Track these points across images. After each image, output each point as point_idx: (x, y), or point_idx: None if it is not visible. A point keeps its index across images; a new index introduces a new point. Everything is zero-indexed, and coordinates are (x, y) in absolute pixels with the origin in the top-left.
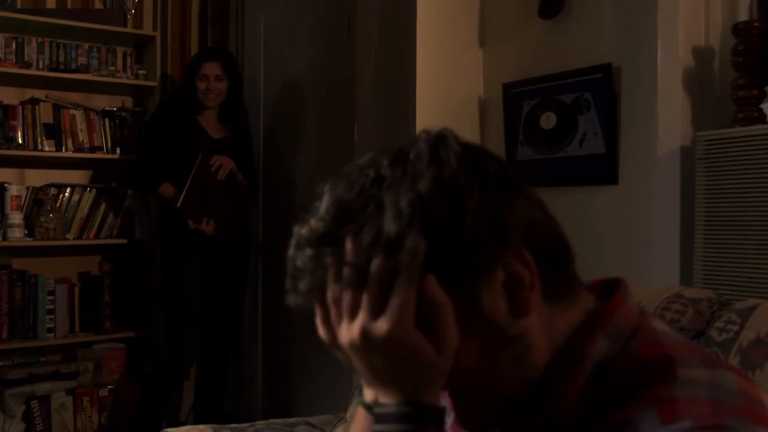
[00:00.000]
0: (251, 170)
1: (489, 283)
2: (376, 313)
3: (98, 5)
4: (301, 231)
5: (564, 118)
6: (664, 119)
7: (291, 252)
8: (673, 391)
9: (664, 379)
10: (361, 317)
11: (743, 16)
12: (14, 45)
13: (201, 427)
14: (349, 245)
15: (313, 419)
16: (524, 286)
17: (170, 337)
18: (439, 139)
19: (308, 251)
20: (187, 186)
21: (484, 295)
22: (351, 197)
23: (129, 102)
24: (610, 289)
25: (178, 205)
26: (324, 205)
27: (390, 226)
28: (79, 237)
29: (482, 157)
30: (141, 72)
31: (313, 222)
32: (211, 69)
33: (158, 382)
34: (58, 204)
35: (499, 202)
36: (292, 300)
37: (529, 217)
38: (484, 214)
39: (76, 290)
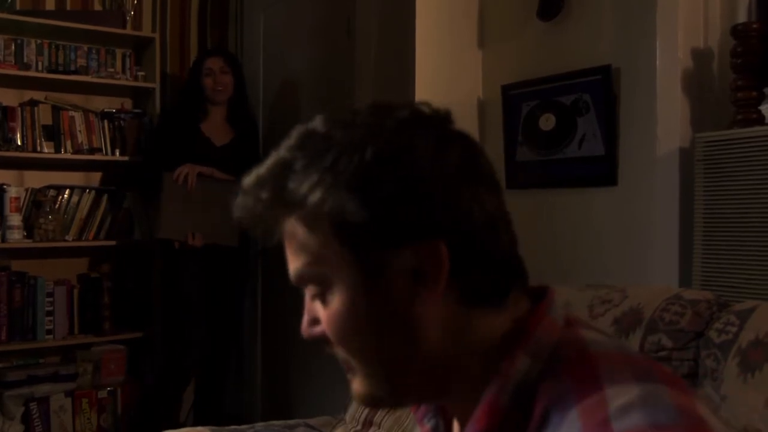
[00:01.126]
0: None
1: (397, 260)
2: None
3: (97, 7)
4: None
5: (563, 120)
6: (663, 120)
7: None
8: (611, 425)
9: (596, 404)
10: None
11: (742, 17)
12: (13, 46)
13: (200, 428)
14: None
15: (312, 421)
16: (426, 280)
17: (170, 341)
18: (425, 115)
19: (260, 170)
20: (161, 214)
21: (390, 268)
22: (318, 131)
23: (128, 103)
24: (539, 298)
25: (159, 235)
26: (297, 130)
27: (323, 174)
28: (79, 238)
29: (455, 147)
30: (140, 73)
31: (282, 145)
32: (215, 63)
33: (160, 386)
34: (57, 205)
35: (440, 190)
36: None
37: (468, 218)
38: (412, 195)
39: (75, 292)
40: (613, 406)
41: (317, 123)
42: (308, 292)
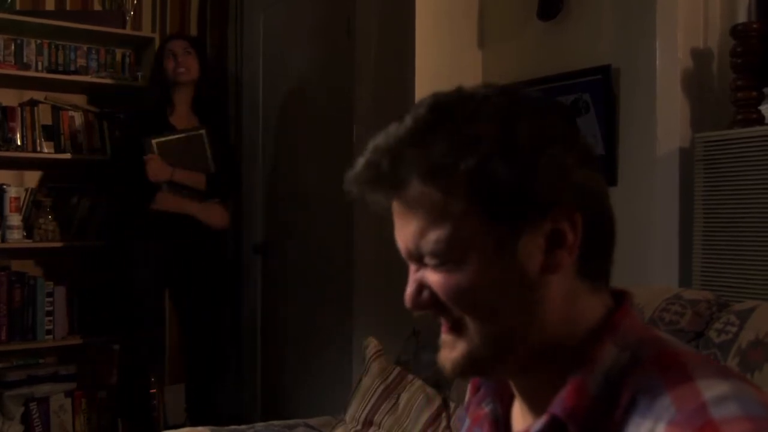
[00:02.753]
0: (228, 159)
1: (534, 228)
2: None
3: (97, 7)
4: (391, 125)
5: None
6: (663, 121)
7: (377, 138)
8: (709, 412)
9: (690, 393)
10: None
11: (742, 17)
12: (13, 46)
13: (200, 429)
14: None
15: (312, 421)
16: (564, 245)
17: (123, 339)
18: (552, 101)
19: (398, 135)
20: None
21: (526, 236)
22: (453, 102)
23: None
24: (617, 299)
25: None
26: (423, 102)
27: (482, 131)
28: (78, 238)
29: (576, 131)
30: (140, 74)
31: (408, 117)
32: (177, 45)
33: (120, 386)
34: (57, 205)
35: (575, 164)
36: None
37: (593, 193)
38: (558, 166)
39: (75, 292)
40: (709, 395)
41: (444, 96)
42: (418, 262)
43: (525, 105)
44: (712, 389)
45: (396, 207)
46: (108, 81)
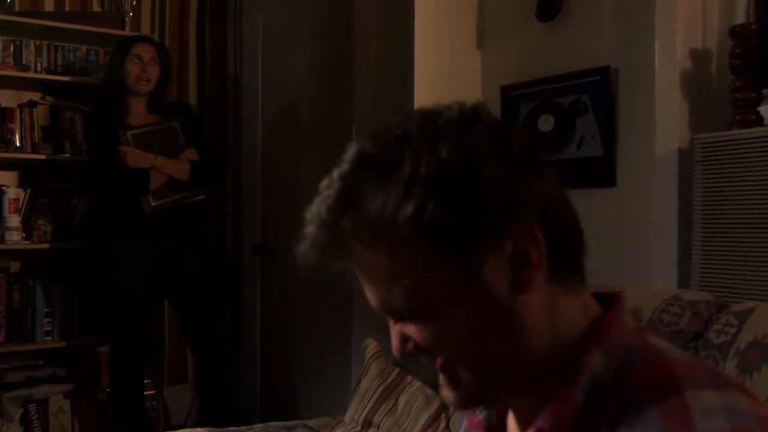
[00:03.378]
0: (207, 150)
1: (494, 254)
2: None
3: (96, 8)
4: (322, 184)
5: (562, 121)
6: (662, 121)
7: (313, 206)
8: (694, 425)
9: (677, 407)
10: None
11: (740, 18)
12: (12, 48)
13: (199, 430)
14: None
15: (311, 422)
16: (530, 263)
17: (115, 341)
18: (472, 110)
19: (329, 202)
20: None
21: (488, 264)
22: (373, 151)
23: None
24: (607, 302)
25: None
26: (348, 155)
27: (405, 189)
28: (77, 240)
29: (509, 133)
30: None
31: (335, 174)
32: (145, 51)
33: (113, 387)
34: (56, 207)
35: (517, 176)
36: (309, 258)
37: (547, 197)
38: (500, 185)
39: (74, 293)
40: (696, 409)
41: (365, 144)
42: (394, 318)
43: (446, 132)
44: (701, 402)
45: (354, 266)
46: (100, 80)
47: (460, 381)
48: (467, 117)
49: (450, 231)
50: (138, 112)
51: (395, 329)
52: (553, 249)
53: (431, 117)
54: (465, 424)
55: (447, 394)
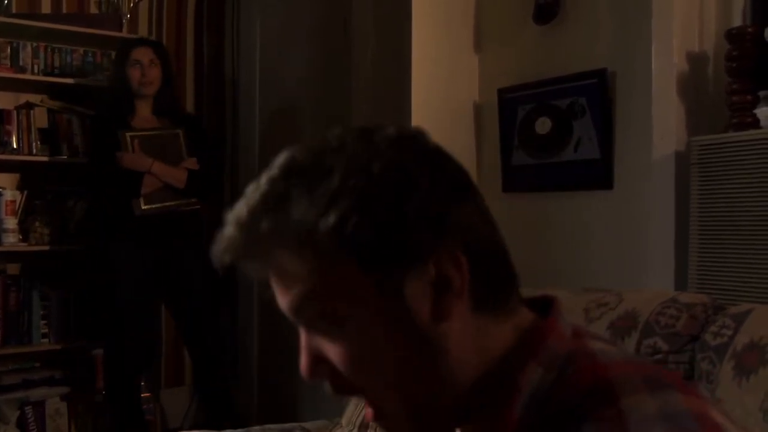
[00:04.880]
0: (209, 160)
1: (417, 276)
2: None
3: (93, 10)
4: (248, 187)
5: (559, 123)
6: (658, 124)
7: (235, 208)
8: None
9: (612, 418)
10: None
11: (737, 21)
12: (9, 49)
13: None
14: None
15: (308, 424)
16: (451, 289)
17: (109, 347)
18: (411, 132)
19: (252, 204)
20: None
21: (409, 287)
22: (305, 159)
23: None
24: (544, 307)
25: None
26: (278, 161)
27: (332, 198)
28: (74, 242)
29: (442, 159)
30: None
31: (263, 178)
32: (143, 54)
33: (107, 393)
34: (53, 209)
35: (446, 201)
36: (225, 257)
37: (473, 225)
38: (427, 208)
39: (71, 296)
40: (633, 419)
41: (298, 152)
42: (306, 329)
43: (381, 149)
44: (637, 410)
45: (270, 277)
46: (104, 84)
47: (391, 422)
48: (405, 137)
49: (372, 247)
50: (143, 115)
51: (307, 343)
52: (479, 276)
53: (368, 133)
54: None
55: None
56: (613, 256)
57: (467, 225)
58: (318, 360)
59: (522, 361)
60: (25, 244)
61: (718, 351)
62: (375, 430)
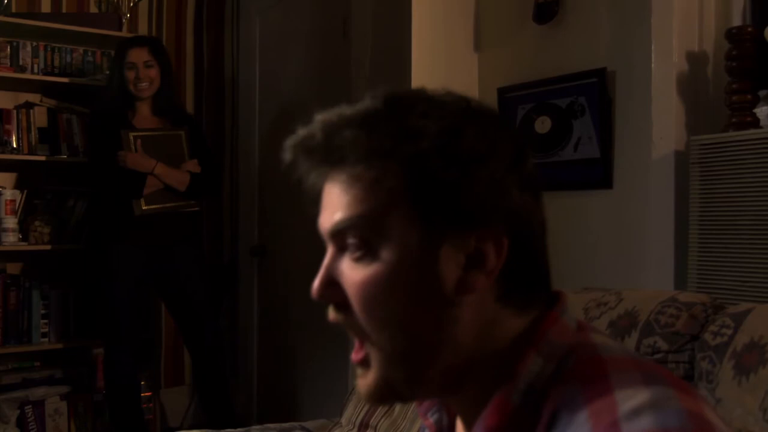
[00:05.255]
0: (209, 161)
1: (457, 243)
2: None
3: (93, 9)
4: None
5: (559, 123)
6: (658, 123)
7: (324, 112)
8: (621, 428)
9: (606, 407)
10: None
11: (736, 21)
12: (9, 49)
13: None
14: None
15: (308, 424)
16: (483, 267)
17: (106, 351)
18: (499, 114)
19: (344, 112)
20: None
21: (448, 246)
22: (407, 97)
23: None
24: (551, 302)
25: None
26: (379, 90)
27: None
28: (74, 241)
29: (528, 152)
30: None
31: (362, 103)
32: (138, 55)
33: (108, 394)
34: (53, 208)
35: (514, 184)
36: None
37: (527, 217)
38: (497, 184)
39: (71, 295)
40: (623, 409)
41: (404, 92)
42: (336, 251)
43: (479, 116)
44: (629, 401)
45: (327, 183)
46: (104, 83)
47: (378, 368)
48: (501, 118)
49: (432, 192)
50: (144, 115)
51: (328, 262)
52: (512, 269)
53: (473, 100)
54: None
55: (361, 384)
56: (612, 256)
57: (522, 215)
58: (332, 283)
59: (521, 350)
60: (25, 243)
61: (717, 350)
62: (375, 430)
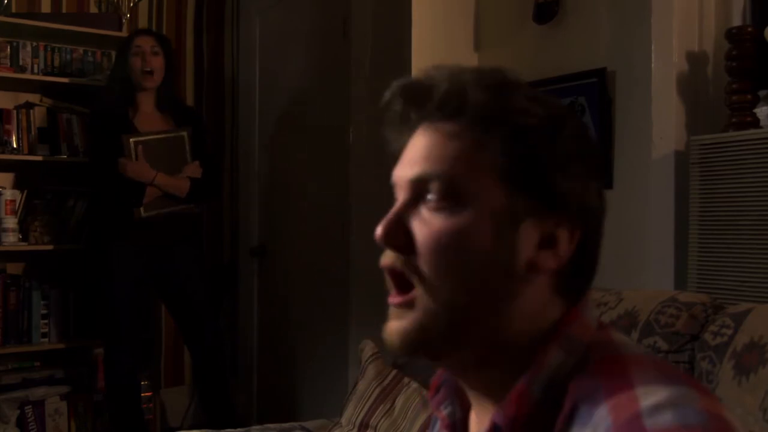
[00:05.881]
0: (209, 164)
1: (538, 218)
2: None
3: (93, 9)
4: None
5: None
6: (658, 124)
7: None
8: (643, 422)
9: (627, 402)
10: None
11: (736, 21)
12: (9, 49)
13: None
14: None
15: (308, 424)
16: (555, 249)
17: (106, 351)
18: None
19: (469, 69)
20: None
21: (529, 221)
22: (518, 79)
23: None
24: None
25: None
26: (491, 67)
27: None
28: (74, 241)
29: (603, 158)
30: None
31: (475, 69)
32: (145, 42)
33: (109, 394)
34: (53, 208)
35: (598, 183)
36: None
37: (600, 217)
38: (588, 178)
39: (71, 295)
40: (645, 404)
41: (514, 74)
42: (410, 195)
43: (575, 117)
44: (650, 397)
45: (422, 133)
46: (104, 84)
47: (421, 311)
48: (585, 124)
49: (530, 165)
50: (146, 111)
51: (399, 208)
52: (576, 261)
53: (564, 106)
54: (438, 423)
55: (394, 326)
56: (612, 256)
57: (596, 214)
58: (400, 227)
59: (544, 342)
60: (25, 243)
61: (717, 350)
62: (375, 430)
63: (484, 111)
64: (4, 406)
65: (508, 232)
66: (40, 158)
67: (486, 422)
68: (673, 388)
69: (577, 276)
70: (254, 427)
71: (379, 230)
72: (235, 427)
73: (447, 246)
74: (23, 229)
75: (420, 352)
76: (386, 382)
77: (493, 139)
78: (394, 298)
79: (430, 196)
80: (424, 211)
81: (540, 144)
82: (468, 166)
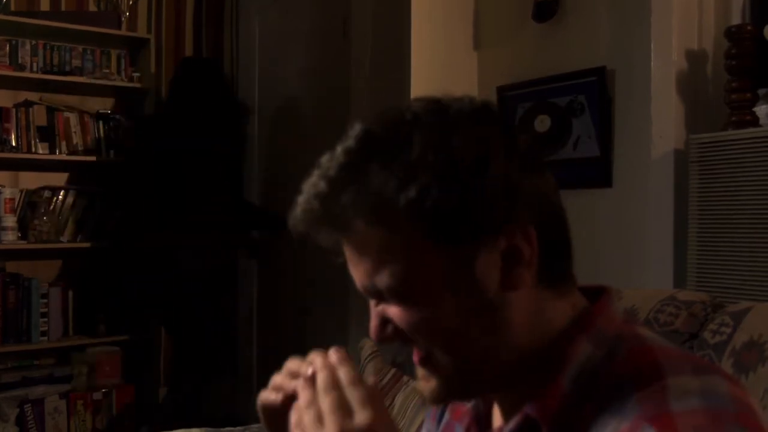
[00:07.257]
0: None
1: (488, 248)
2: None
3: (92, 8)
4: (323, 158)
5: (558, 121)
6: (657, 122)
7: (312, 178)
8: (669, 405)
9: (656, 390)
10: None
11: (736, 19)
12: (8, 47)
13: (195, 430)
14: (373, 177)
15: None
16: (522, 261)
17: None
18: (483, 104)
19: (331, 174)
20: None
21: (481, 257)
22: (381, 131)
23: (123, 104)
24: (596, 296)
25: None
26: (353, 132)
27: (414, 166)
28: (73, 240)
29: (514, 131)
30: (135, 74)
31: (339, 149)
32: None
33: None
34: (52, 207)
35: (520, 175)
36: (299, 226)
37: (543, 199)
38: (505, 181)
39: (70, 293)
40: (673, 392)
41: (372, 124)
42: (373, 297)
43: (457, 121)
44: (680, 387)
45: (345, 246)
46: (103, 82)
47: (439, 371)
48: (479, 110)
49: (449, 219)
50: None
51: (376, 311)
52: (544, 251)
53: (442, 105)
54: (447, 417)
55: (424, 386)
56: (612, 254)
57: (538, 197)
58: (386, 326)
59: (572, 336)
60: (24, 241)
61: (717, 349)
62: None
63: (368, 211)
64: (3, 405)
65: (469, 282)
66: (39, 156)
67: (515, 414)
68: (703, 377)
69: (553, 258)
70: (254, 426)
71: (372, 335)
72: (234, 426)
73: (430, 331)
74: (22, 228)
75: (452, 400)
76: (385, 380)
77: (396, 224)
78: (415, 356)
79: (388, 298)
80: (393, 309)
81: (438, 196)
82: (394, 263)
